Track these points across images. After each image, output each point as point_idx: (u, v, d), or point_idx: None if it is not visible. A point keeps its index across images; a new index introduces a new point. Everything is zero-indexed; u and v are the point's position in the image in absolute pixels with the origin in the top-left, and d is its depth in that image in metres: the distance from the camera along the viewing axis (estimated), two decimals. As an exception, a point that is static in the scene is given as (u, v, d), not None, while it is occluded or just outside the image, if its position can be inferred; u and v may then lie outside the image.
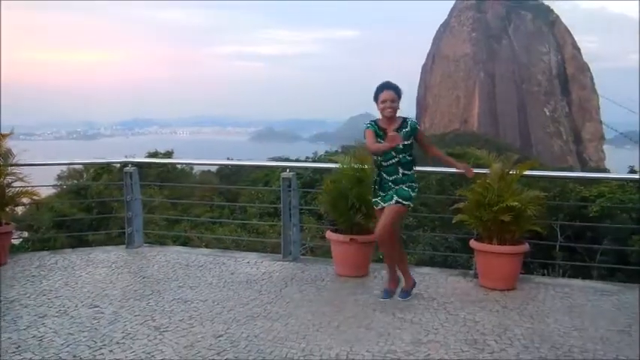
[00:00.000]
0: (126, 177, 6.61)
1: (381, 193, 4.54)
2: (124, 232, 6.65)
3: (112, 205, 13.74)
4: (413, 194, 4.52)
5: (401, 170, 4.47)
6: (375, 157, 4.54)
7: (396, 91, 4.50)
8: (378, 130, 4.46)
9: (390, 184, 4.49)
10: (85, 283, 5.14)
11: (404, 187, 4.49)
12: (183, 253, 6.39)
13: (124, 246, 6.58)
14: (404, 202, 4.49)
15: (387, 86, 4.50)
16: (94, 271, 5.58)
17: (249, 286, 5.05)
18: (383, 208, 4.55)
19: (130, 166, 6.70)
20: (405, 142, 4.42)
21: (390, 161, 4.46)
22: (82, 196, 15.69)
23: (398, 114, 4.53)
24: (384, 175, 4.50)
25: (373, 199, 4.63)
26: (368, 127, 4.51)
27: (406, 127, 4.47)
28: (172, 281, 5.21)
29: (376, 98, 4.49)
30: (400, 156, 4.45)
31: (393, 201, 4.49)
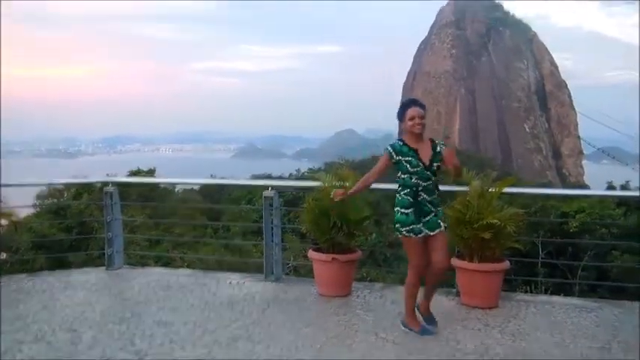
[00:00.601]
0: (106, 197, 6.55)
1: (422, 219, 4.25)
2: (105, 253, 6.56)
3: (93, 224, 13.54)
4: None
5: (436, 192, 4.32)
6: (410, 178, 4.22)
7: (423, 108, 4.35)
8: (409, 151, 4.24)
9: (429, 206, 4.25)
10: (64, 307, 5.05)
11: (440, 210, 4.37)
12: (164, 274, 6.32)
13: (104, 267, 6.49)
14: (446, 225, 4.42)
15: (414, 102, 4.37)
16: (72, 293, 5.49)
17: (230, 308, 5.00)
18: (427, 235, 4.27)
19: (110, 185, 6.64)
20: (436, 163, 4.27)
21: (429, 181, 4.25)
22: (61, 216, 15.42)
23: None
24: (424, 195, 4.23)
25: (410, 226, 4.22)
26: (387, 151, 4.29)
27: (437, 148, 4.30)
28: (153, 303, 5.15)
29: (402, 116, 4.31)
30: (434, 178, 4.28)
31: (442, 227, 4.32)
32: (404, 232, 4.24)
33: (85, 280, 5.99)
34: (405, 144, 4.27)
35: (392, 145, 4.28)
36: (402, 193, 4.28)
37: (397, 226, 4.27)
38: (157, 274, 6.30)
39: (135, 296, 5.39)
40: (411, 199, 4.24)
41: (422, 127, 4.26)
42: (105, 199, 6.54)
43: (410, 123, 4.26)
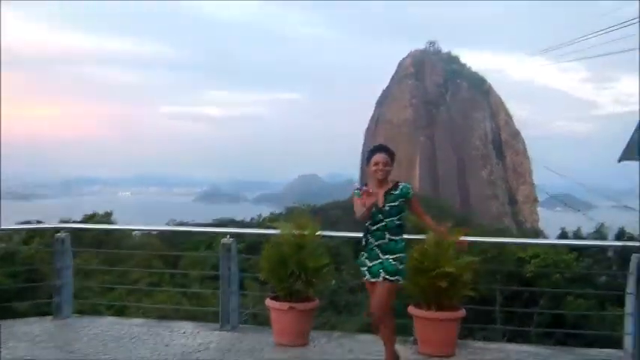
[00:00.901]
0: (57, 243, 6.32)
1: (368, 262, 4.33)
2: (52, 302, 6.28)
3: (43, 271, 12.98)
4: (401, 267, 4.30)
5: (387, 235, 4.30)
6: (366, 221, 4.38)
7: (389, 154, 4.42)
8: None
9: (376, 250, 4.30)
10: (4, 361, 4.77)
11: (391, 259, 4.26)
12: (116, 324, 6.08)
13: (51, 317, 6.19)
14: (391, 278, 4.25)
15: (379, 149, 4.45)
16: (15, 345, 5.20)
17: (183, 359, 4.83)
18: (370, 281, 4.33)
19: (61, 232, 6.42)
20: (392, 204, 4.29)
21: (378, 225, 4.30)
22: (8, 261, 14.74)
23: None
24: (372, 238, 4.34)
25: (361, 267, 4.41)
26: (355, 193, 4.35)
27: (396, 190, 4.34)
28: (101, 356, 4.93)
29: (368, 161, 4.41)
30: (387, 220, 4.28)
31: (381, 277, 4.26)
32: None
33: (29, 330, 5.70)
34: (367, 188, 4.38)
35: (358, 189, 4.37)
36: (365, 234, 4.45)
37: None
38: (107, 323, 6.05)
39: (83, 348, 5.14)
40: (363, 239, 4.42)
41: (384, 173, 4.35)
42: (56, 245, 6.31)
43: (373, 168, 4.38)
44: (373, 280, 4.32)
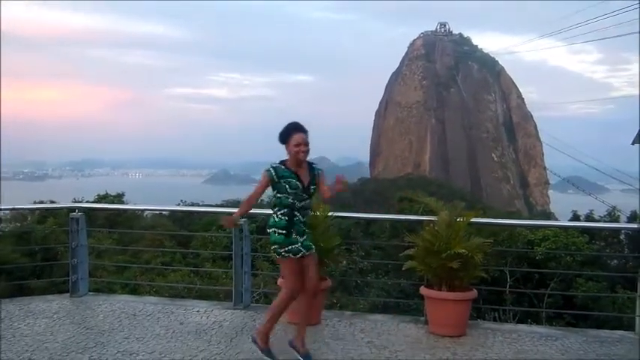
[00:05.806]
0: (72, 223, 6.41)
1: (299, 238, 4.27)
2: (69, 280, 6.39)
3: (58, 250, 13.19)
4: None
5: (309, 213, 4.47)
6: (287, 197, 4.24)
7: (306, 133, 4.36)
8: (290, 174, 4.26)
9: (302, 226, 4.31)
10: (23, 336, 4.89)
11: (309, 232, 4.46)
12: (130, 301, 6.19)
13: (68, 294, 6.32)
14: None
15: (299, 128, 4.36)
16: (33, 322, 5.32)
17: (198, 337, 4.92)
18: (304, 255, 4.28)
19: (76, 211, 6.51)
20: (314, 186, 4.36)
21: (304, 202, 4.31)
22: (24, 241, 14.98)
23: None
24: (299, 215, 4.29)
25: (291, 246, 4.23)
26: (269, 172, 4.28)
27: (314, 171, 4.38)
28: (118, 332, 5.02)
29: (286, 140, 4.30)
30: (309, 200, 4.36)
31: (313, 249, 4.38)
32: (282, 253, 4.25)
33: (47, 307, 5.82)
34: (286, 168, 4.30)
35: (274, 168, 4.29)
36: (278, 213, 4.29)
37: (275, 247, 4.26)
38: (122, 301, 6.16)
39: (99, 325, 5.25)
40: (287, 219, 4.26)
41: (306, 154, 4.31)
42: (71, 225, 6.40)
43: (296, 149, 4.27)
44: (307, 253, 4.30)
